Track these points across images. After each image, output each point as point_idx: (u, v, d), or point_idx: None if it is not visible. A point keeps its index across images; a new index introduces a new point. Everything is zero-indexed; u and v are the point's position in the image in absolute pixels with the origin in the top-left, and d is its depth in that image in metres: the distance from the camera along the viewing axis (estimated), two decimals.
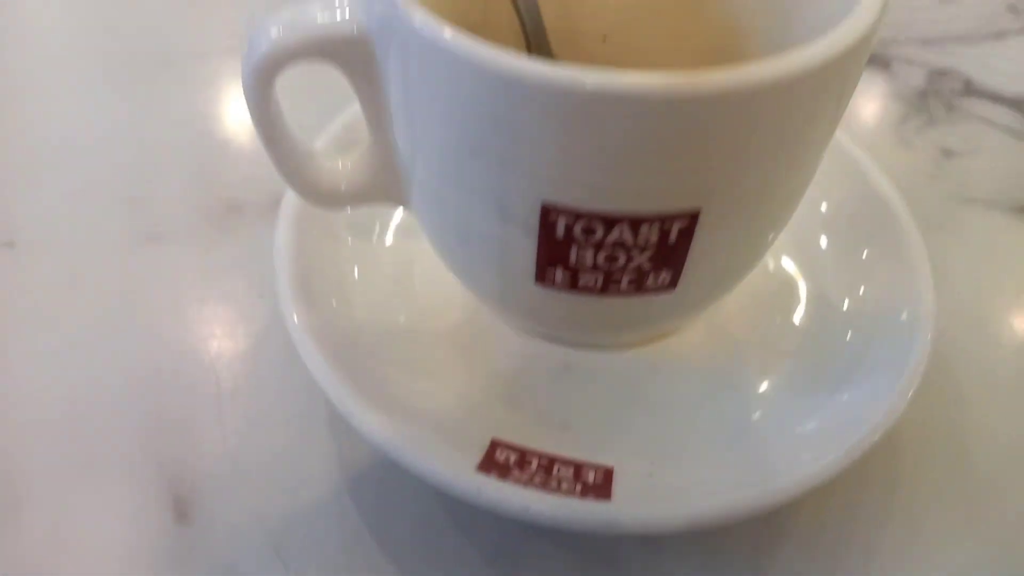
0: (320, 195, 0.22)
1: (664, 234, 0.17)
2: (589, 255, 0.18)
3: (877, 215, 0.26)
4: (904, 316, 0.23)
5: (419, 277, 0.25)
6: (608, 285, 0.19)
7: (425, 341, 0.24)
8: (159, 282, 0.27)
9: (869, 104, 0.36)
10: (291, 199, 0.24)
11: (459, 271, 0.22)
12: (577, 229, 0.17)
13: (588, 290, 0.19)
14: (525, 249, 0.18)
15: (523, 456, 0.21)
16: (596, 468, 0.21)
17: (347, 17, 0.18)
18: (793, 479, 0.19)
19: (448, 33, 0.16)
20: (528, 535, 0.22)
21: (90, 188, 0.31)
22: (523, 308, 0.21)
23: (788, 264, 0.26)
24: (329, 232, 0.25)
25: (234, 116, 0.33)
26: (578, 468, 0.21)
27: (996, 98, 0.37)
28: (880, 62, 0.38)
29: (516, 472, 0.20)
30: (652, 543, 0.22)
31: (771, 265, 0.26)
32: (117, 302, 0.27)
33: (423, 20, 0.16)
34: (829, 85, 0.16)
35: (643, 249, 0.18)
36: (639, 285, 0.19)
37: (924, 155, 0.34)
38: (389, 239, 0.26)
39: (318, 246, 0.24)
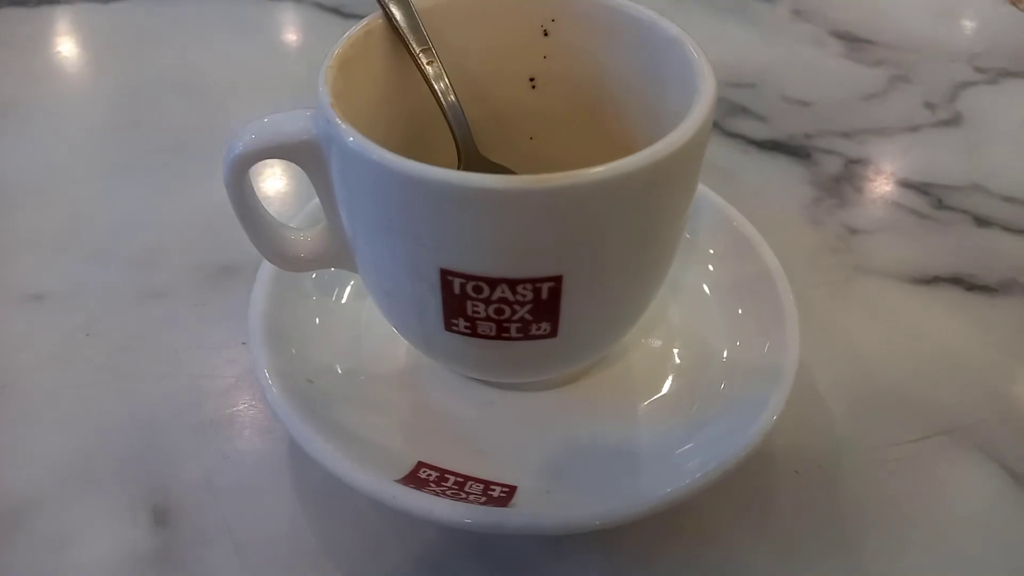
0: (285, 260, 0.27)
1: (537, 292, 0.22)
2: (481, 308, 0.23)
3: (758, 280, 0.30)
4: (769, 372, 0.27)
5: (372, 330, 0.30)
6: (500, 332, 0.24)
7: (373, 382, 0.29)
8: (161, 331, 0.33)
9: (785, 189, 0.41)
10: (268, 264, 0.30)
11: (392, 321, 0.27)
12: (469, 288, 0.22)
13: (485, 336, 0.24)
14: (433, 303, 0.23)
15: (442, 475, 0.26)
16: (502, 486, 0.26)
17: (302, 128, 0.24)
18: (657, 494, 0.24)
19: (365, 144, 0.21)
20: (452, 546, 0.26)
21: (108, 252, 0.36)
22: (441, 351, 0.26)
23: (681, 322, 0.31)
24: (298, 291, 0.30)
25: None
26: (487, 485, 0.26)
27: (906, 184, 0.41)
28: (801, 152, 0.43)
29: (432, 487, 0.25)
30: (556, 554, 0.26)
31: (668, 323, 0.31)
32: (124, 347, 0.32)
33: (349, 133, 0.21)
34: (653, 184, 0.21)
35: (522, 304, 0.23)
36: (525, 333, 0.24)
37: (831, 232, 0.38)
38: (348, 300, 0.32)
39: (287, 303, 0.29)
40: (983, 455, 0.29)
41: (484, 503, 0.24)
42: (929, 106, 0.47)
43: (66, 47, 0.52)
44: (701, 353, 0.30)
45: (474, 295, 0.22)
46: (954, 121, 0.46)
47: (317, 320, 0.30)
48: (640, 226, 0.22)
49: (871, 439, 0.30)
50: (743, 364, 0.29)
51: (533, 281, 0.22)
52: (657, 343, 0.31)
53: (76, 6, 0.55)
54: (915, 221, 0.39)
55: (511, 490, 0.25)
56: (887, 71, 0.50)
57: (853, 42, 0.53)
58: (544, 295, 0.22)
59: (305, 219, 0.32)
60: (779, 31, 0.55)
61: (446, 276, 0.22)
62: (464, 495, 0.25)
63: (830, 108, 0.47)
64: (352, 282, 0.32)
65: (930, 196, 0.41)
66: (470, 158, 0.28)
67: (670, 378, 0.29)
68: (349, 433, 0.26)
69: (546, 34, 0.29)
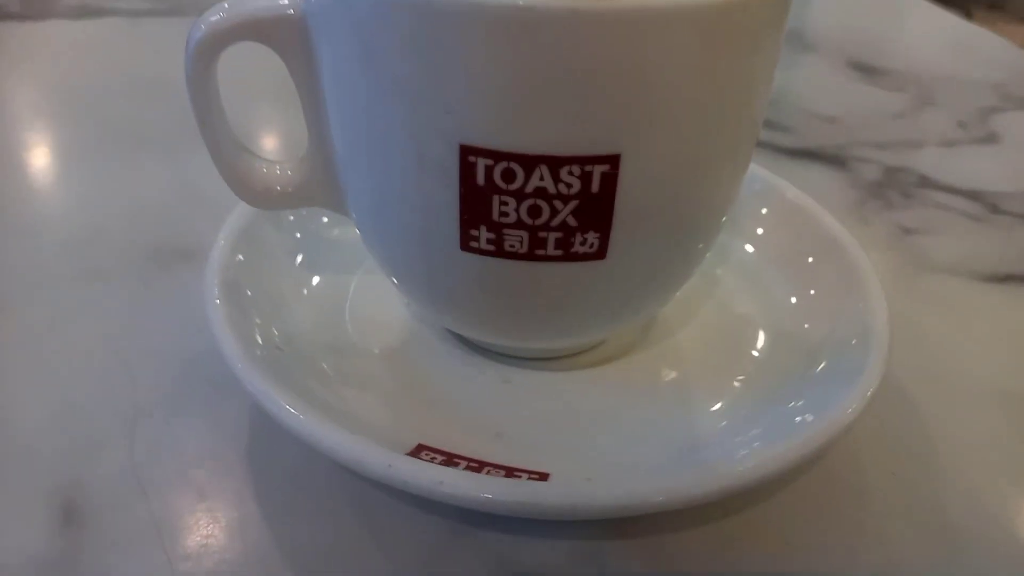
0: (254, 192, 0.22)
1: (586, 180, 0.17)
2: (512, 208, 0.17)
3: (827, 249, 0.25)
4: (855, 341, 0.22)
5: (364, 293, 0.25)
6: (534, 247, 0.18)
7: (360, 354, 0.23)
8: (96, 313, 0.27)
9: (825, 192, 0.37)
10: (241, 210, 0.24)
11: (388, 256, 0.21)
12: (496, 174, 0.17)
13: (514, 255, 0.18)
14: (448, 206, 0.18)
15: (450, 459, 0.20)
16: (530, 472, 0.19)
17: (282, 2, 0.19)
18: (725, 478, 0.17)
19: None
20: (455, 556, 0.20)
21: (43, 231, 0.31)
22: (452, 289, 0.20)
23: (742, 298, 0.26)
24: (274, 243, 0.25)
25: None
26: (510, 471, 0.19)
27: (952, 190, 0.37)
28: (836, 161, 0.39)
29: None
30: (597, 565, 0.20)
31: (721, 298, 0.26)
32: (47, 328, 0.26)
33: None
34: (739, 24, 0.16)
35: (566, 200, 0.17)
36: (567, 249, 0.18)
37: (883, 231, 0.34)
38: (335, 260, 0.26)
39: (260, 254, 0.24)
40: None
41: None
42: (962, 125, 0.44)
43: (36, 59, 0.47)
44: (766, 325, 0.24)
45: (504, 185, 0.17)
46: (990, 139, 0.43)
47: (295, 279, 0.24)
48: (710, 87, 0.17)
49: (977, 437, 0.24)
50: (821, 335, 0.23)
51: (582, 161, 0.17)
52: (706, 319, 0.25)
53: (47, 22, 0.51)
54: (971, 224, 0.35)
55: (542, 477, 0.19)
56: (911, 95, 0.47)
57: (871, 72, 0.50)
58: (595, 186, 0.17)
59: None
60: (791, 62, 0.52)
61: (467, 157, 0.17)
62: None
63: (859, 123, 0.43)
64: (341, 237, 0.26)
65: (982, 202, 0.37)
66: None
67: (728, 355, 0.24)
68: (328, 406, 0.20)
69: None
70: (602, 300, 0.20)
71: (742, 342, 0.24)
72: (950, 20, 0.60)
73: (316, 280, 0.25)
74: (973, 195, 0.37)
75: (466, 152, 0.17)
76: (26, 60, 0.47)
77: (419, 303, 0.22)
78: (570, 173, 0.17)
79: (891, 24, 0.61)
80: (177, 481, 0.21)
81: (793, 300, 0.25)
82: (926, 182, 0.38)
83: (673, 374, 0.23)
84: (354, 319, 0.24)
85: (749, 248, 0.27)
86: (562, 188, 0.17)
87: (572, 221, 0.18)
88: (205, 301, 0.21)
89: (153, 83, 0.43)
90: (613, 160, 0.17)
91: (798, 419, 0.20)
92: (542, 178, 0.17)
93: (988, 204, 0.36)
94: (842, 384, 0.20)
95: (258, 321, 0.22)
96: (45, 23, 0.51)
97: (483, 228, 0.18)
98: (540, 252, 0.18)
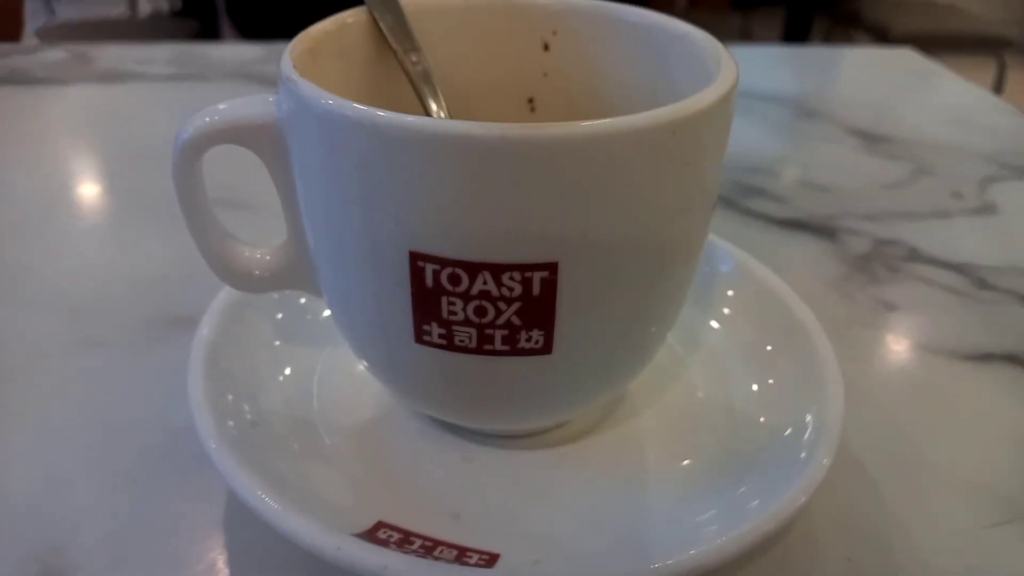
0: (236, 276, 0.23)
1: (527, 284, 0.18)
2: (459, 307, 0.19)
3: (787, 328, 0.26)
4: (808, 432, 0.23)
5: (336, 372, 0.26)
6: (482, 343, 0.19)
7: (330, 430, 0.24)
8: (92, 381, 0.28)
9: (810, 265, 0.37)
10: (226, 293, 0.26)
11: (354, 340, 0.22)
12: (444, 278, 0.18)
13: (464, 349, 0.19)
14: (402, 303, 0.19)
15: (406, 537, 0.21)
16: (481, 553, 0.20)
17: (262, 111, 0.21)
18: (670, 559, 0.18)
19: (319, 92, 0.18)
20: None
21: (45, 300, 0.33)
22: (411, 375, 0.22)
23: (706, 380, 0.26)
24: (254, 325, 0.26)
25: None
26: (462, 551, 0.20)
27: (940, 263, 0.38)
28: (825, 232, 0.40)
29: (393, 547, 0.20)
30: None
31: (685, 376, 0.27)
32: (45, 395, 0.28)
33: (306, 86, 0.18)
34: (662, 146, 0.18)
35: (509, 301, 0.18)
36: (513, 344, 0.19)
37: (865, 308, 0.34)
38: (311, 337, 0.27)
39: (240, 335, 0.25)
40: None
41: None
42: (956, 195, 0.44)
43: (55, 122, 0.50)
44: (725, 410, 0.25)
45: (450, 287, 0.18)
46: (986, 210, 0.43)
47: (273, 357, 0.26)
48: (641, 204, 0.18)
49: (933, 524, 0.24)
50: (777, 423, 0.24)
51: (522, 268, 0.18)
52: (671, 400, 0.26)
53: (72, 86, 0.54)
54: (957, 300, 0.35)
55: (492, 558, 0.20)
56: (908, 164, 0.48)
57: (870, 139, 0.51)
58: (536, 289, 0.18)
59: None
60: (792, 128, 0.53)
61: (416, 262, 0.18)
62: (433, 560, 0.19)
63: (852, 193, 0.44)
64: (318, 318, 0.28)
65: (970, 276, 0.37)
66: None
67: (687, 439, 0.24)
68: (293, 484, 0.21)
69: (547, 48, 0.26)
70: (551, 391, 0.21)
71: (701, 427, 0.25)
72: (963, 87, 0.61)
73: (293, 359, 0.26)
74: (961, 269, 0.37)
75: (415, 258, 0.18)
76: (46, 124, 0.50)
77: (383, 384, 0.24)
78: (511, 278, 0.18)
79: (898, 90, 0.62)
80: (155, 550, 0.22)
81: (754, 387, 0.25)
82: (914, 255, 0.38)
83: (632, 457, 0.24)
84: (326, 397, 0.25)
85: (716, 327, 0.28)
86: (504, 291, 0.18)
87: (516, 320, 0.19)
88: (188, 379, 0.23)
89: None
90: (551, 267, 0.18)
91: (743, 509, 0.20)
92: (485, 282, 0.18)
93: (975, 279, 0.37)
94: (788, 477, 0.21)
95: (233, 398, 0.23)
96: (72, 87, 0.54)
97: (434, 324, 0.19)
98: (488, 347, 0.19)
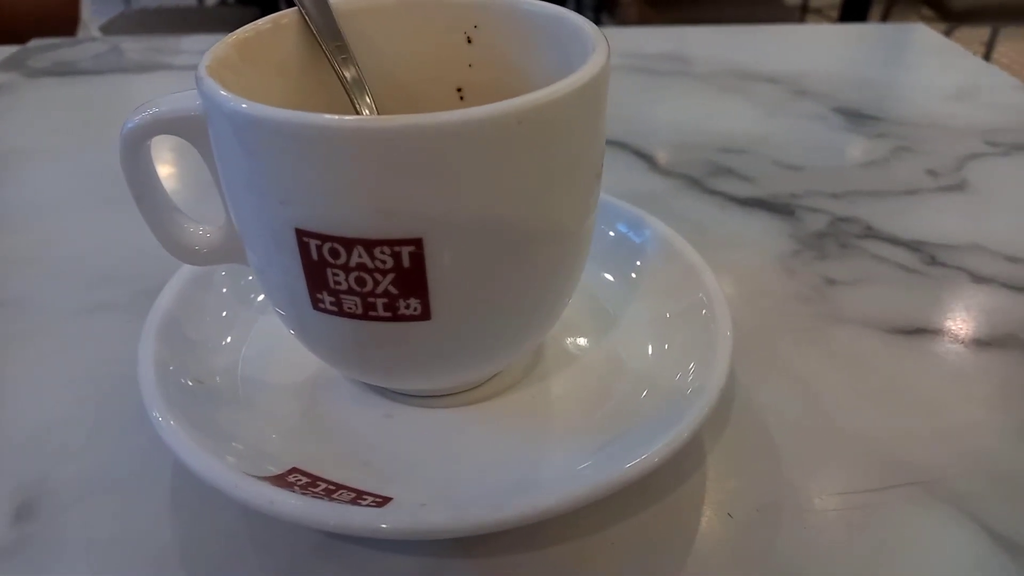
0: (184, 250, 0.27)
1: (397, 258, 0.21)
2: (343, 278, 0.21)
3: (692, 297, 0.28)
4: (694, 389, 0.25)
5: (283, 338, 0.29)
6: (367, 310, 0.22)
7: (268, 388, 0.27)
8: (89, 340, 0.32)
9: (760, 241, 0.39)
10: (182, 272, 0.29)
11: (273, 306, 0.25)
12: (325, 251, 0.21)
13: (352, 315, 0.22)
14: (297, 274, 0.22)
15: (313, 481, 0.23)
16: (375, 496, 0.23)
17: (190, 105, 0.23)
18: (527, 502, 0.21)
19: (212, 87, 0.21)
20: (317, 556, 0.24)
21: (66, 269, 0.37)
22: (315, 337, 0.24)
23: (615, 341, 0.29)
24: (212, 293, 0.29)
25: None
26: (359, 495, 0.23)
27: (895, 241, 0.39)
28: (784, 210, 0.41)
29: (296, 490, 0.23)
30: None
31: (598, 340, 0.29)
32: (47, 352, 0.32)
33: (204, 81, 0.21)
34: (511, 138, 0.20)
35: (384, 272, 0.21)
36: (394, 312, 0.22)
37: (805, 283, 0.36)
38: (258, 309, 0.30)
39: (196, 302, 0.29)
40: (956, 510, 0.25)
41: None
42: (932, 173, 0.45)
43: (88, 107, 0.55)
44: (624, 373, 0.27)
45: (332, 260, 0.21)
46: (957, 187, 0.43)
47: (224, 322, 0.29)
48: (509, 188, 0.21)
49: (823, 486, 0.26)
50: (668, 385, 0.26)
51: (390, 243, 0.20)
52: (582, 367, 0.28)
53: (106, 76, 0.59)
54: (902, 275, 0.36)
55: (383, 501, 0.23)
56: (890, 142, 0.48)
57: (856, 117, 0.51)
58: (405, 262, 0.21)
59: None
60: (779, 107, 0.54)
61: (302, 238, 0.21)
62: (327, 500, 0.22)
63: (821, 172, 0.45)
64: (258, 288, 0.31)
65: (922, 253, 0.38)
66: None
67: (588, 402, 0.27)
68: (223, 434, 0.24)
69: (470, 41, 0.28)
70: (435, 355, 0.24)
71: (601, 394, 0.27)
72: (972, 63, 0.60)
73: (238, 325, 0.29)
74: (915, 246, 0.38)
75: (300, 234, 0.21)
76: (82, 113, 0.54)
77: (301, 343, 0.27)
78: (382, 252, 0.20)
79: (901, 67, 0.61)
80: (120, 486, 0.26)
81: (651, 351, 0.27)
82: (870, 232, 0.39)
83: (535, 416, 0.26)
84: (266, 360, 0.28)
85: (638, 302, 0.30)
86: (378, 263, 0.21)
87: (393, 289, 0.21)
88: (139, 344, 0.26)
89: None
90: (417, 242, 0.20)
91: (619, 457, 0.22)
92: (360, 256, 0.21)
93: (927, 255, 0.37)
94: (665, 430, 0.23)
95: (179, 359, 0.26)
96: (108, 76, 0.59)
97: (325, 293, 0.22)
98: (372, 313, 0.22)
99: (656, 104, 0.54)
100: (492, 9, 0.28)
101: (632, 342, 0.29)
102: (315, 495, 0.22)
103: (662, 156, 0.47)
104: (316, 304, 0.22)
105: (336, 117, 0.19)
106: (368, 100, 0.27)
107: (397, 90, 0.29)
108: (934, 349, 0.32)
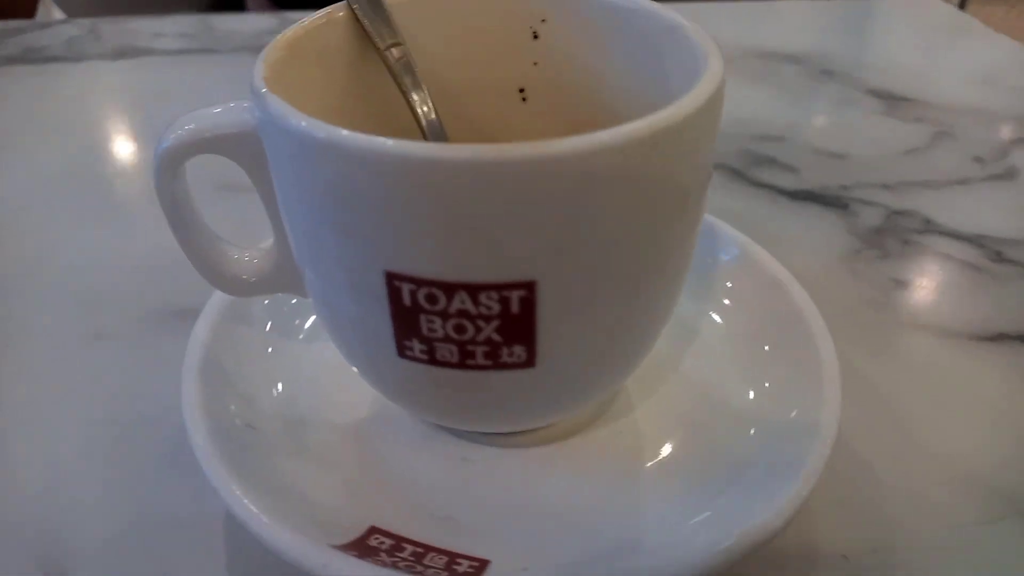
0: (227, 281, 0.23)
1: (505, 303, 0.18)
2: (439, 325, 0.18)
3: (787, 321, 0.26)
4: (805, 426, 0.22)
5: (332, 371, 0.26)
6: (464, 358, 0.19)
7: (327, 431, 0.24)
8: (99, 375, 0.29)
9: (819, 239, 0.36)
10: (220, 293, 0.26)
11: (342, 350, 0.22)
12: (421, 297, 0.18)
13: (447, 364, 0.19)
14: (382, 321, 0.19)
15: (398, 543, 0.21)
16: (471, 559, 0.20)
17: (239, 119, 0.20)
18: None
19: (285, 109, 0.17)
20: None
21: (52, 293, 0.33)
22: (398, 385, 0.22)
23: (696, 372, 0.26)
24: (250, 324, 0.26)
25: None
26: (452, 558, 0.20)
27: (956, 235, 0.37)
28: (837, 204, 0.39)
29: (383, 556, 0.20)
30: None
31: (680, 371, 0.26)
32: (52, 390, 0.28)
33: (271, 101, 0.18)
34: (650, 163, 0.17)
35: (488, 319, 0.18)
36: (495, 359, 0.19)
37: (873, 285, 0.34)
38: (308, 335, 0.27)
39: (235, 335, 0.25)
40: None
41: None
42: (979, 160, 0.43)
43: (63, 103, 0.50)
44: (720, 408, 0.25)
45: (428, 306, 0.18)
46: (1008, 175, 0.42)
47: (270, 357, 0.26)
48: (633, 220, 0.18)
49: (931, 520, 0.24)
50: (772, 421, 0.23)
51: (499, 288, 0.18)
52: (667, 395, 0.26)
53: (82, 64, 0.54)
54: (971, 275, 0.34)
55: (481, 564, 0.20)
56: (929, 127, 0.46)
57: (890, 99, 0.49)
58: (514, 308, 0.18)
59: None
60: (809, 90, 0.51)
61: (393, 282, 0.18)
62: (421, 568, 0.20)
63: (867, 161, 0.43)
64: (311, 318, 0.28)
65: (986, 249, 0.36)
66: None
67: (683, 437, 0.24)
68: (288, 489, 0.22)
69: (536, 36, 0.25)
70: (537, 400, 0.21)
71: (696, 427, 0.24)
72: (997, 42, 0.58)
73: (287, 360, 0.26)
74: (977, 240, 0.36)
75: (391, 277, 0.18)
76: (58, 105, 0.50)
77: (375, 389, 0.24)
78: (489, 297, 0.18)
79: (926, 46, 0.59)
80: (158, 545, 0.23)
81: (750, 390, 0.25)
82: (930, 226, 0.37)
83: (624, 456, 0.24)
84: (320, 398, 0.25)
85: (716, 320, 0.27)
86: (483, 309, 0.18)
87: (497, 337, 0.19)
88: (182, 385, 0.23)
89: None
90: (529, 285, 0.18)
91: (731, 519, 0.20)
92: (463, 301, 0.18)
93: (992, 251, 0.36)
94: (778, 486, 0.20)
95: (226, 402, 0.23)
96: (85, 64, 0.54)
97: (415, 340, 0.19)
98: (471, 362, 0.19)
99: None
100: (564, 1, 0.25)
101: (720, 366, 0.26)
102: (406, 562, 0.20)
103: None
104: (402, 352, 0.19)
105: (445, 147, 0.16)
106: (426, 99, 0.24)
107: (452, 90, 0.26)
108: (1018, 356, 0.30)
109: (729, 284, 0.28)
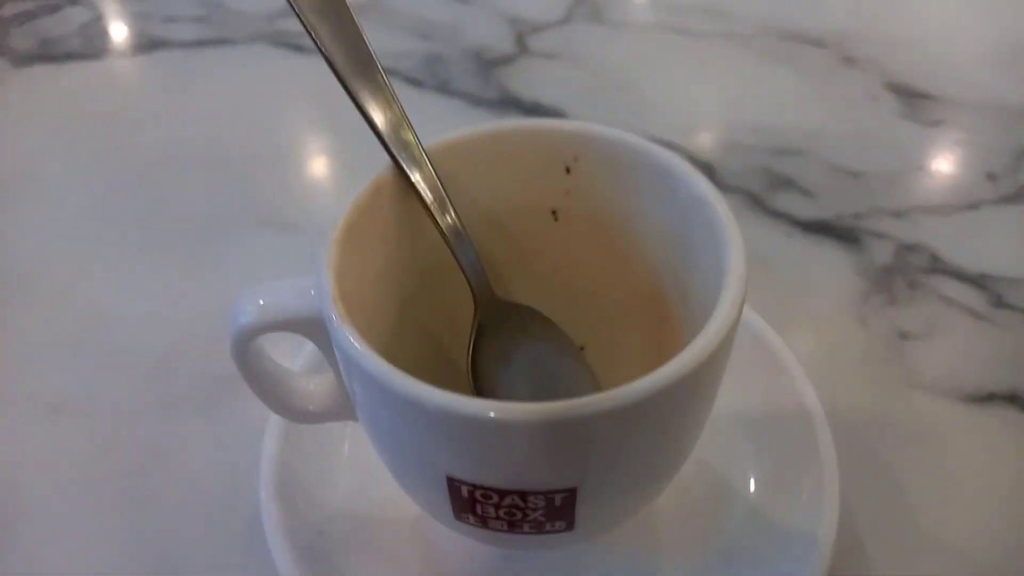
0: (294, 414, 0.26)
1: (550, 501, 0.21)
2: (491, 510, 0.21)
3: (795, 424, 0.28)
4: (803, 542, 0.26)
5: (383, 473, 0.29)
6: (513, 528, 0.22)
7: (383, 531, 0.28)
8: (176, 450, 0.32)
9: (831, 282, 0.38)
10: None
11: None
12: (477, 494, 0.21)
13: (498, 530, 0.22)
14: (442, 498, 0.22)
15: None
16: None
17: (305, 304, 0.22)
18: None
19: (364, 354, 0.20)
20: None
21: (123, 356, 0.36)
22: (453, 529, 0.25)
23: (713, 466, 0.29)
24: (311, 434, 0.29)
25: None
26: None
27: (960, 276, 0.39)
28: (850, 237, 0.41)
29: None
30: None
31: (700, 464, 0.29)
32: (138, 469, 0.32)
33: (349, 341, 0.20)
34: (670, 403, 0.19)
35: (536, 509, 0.21)
36: (540, 529, 0.22)
37: (880, 337, 0.36)
38: (358, 440, 0.30)
39: (299, 447, 0.28)
40: None
41: None
42: (991, 177, 0.44)
43: (87, 107, 0.51)
44: (732, 506, 0.28)
45: (483, 499, 0.21)
46: (1018, 197, 0.43)
47: (330, 462, 0.29)
48: (659, 439, 0.21)
49: None
50: (778, 525, 0.27)
51: (545, 493, 0.21)
52: (684, 490, 0.29)
53: (102, 61, 0.54)
54: (971, 323, 0.37)
55: None
56: (946, 133, 0.47)
57: (909, 97, 0.49)
58: (558, 503, 0.21)
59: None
60: (829, 81, 0.51)
61: (453, 483, 0.21)
62: None
63: (882, 180, 0.44)
64: None
65: (987, 291, 0.38)
66: (486, 303, 0.26)
67: (697, 530, 0.28)
68: None
69: (568, 171, 0.27)
70: (574, 547, 0.24)
71: (714, 519, 0.28)
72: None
73: (357, 473, 0.29)
74: (981, 282, 0.38)
75: (452, 480, 0.21)
76: (76, 111, 0.50)
77: None
78: (535, 499, 0.21)
79: (953, 28, 0.58)
80: None
81: (752, 484, 0.28)
82: (936, 264, 0.39)
83: (648, 548, 0.27)
84: (377, 500, 0.28)
85: (733, 417, 0.30)
86: (531, 504, 0.21)
87: (542, 518, 0.22)
88: (262, 510, 0.26)
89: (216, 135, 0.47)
90: (571, 491, 0.21)
91: None
92: (514, 500, 0.21)
93: (993, 295, 0.38)
94: None
95: (300, 512, 0.27)
96: (105, 61, 0.54)
97: (470, 515, 0.22)
98: (518, 531, 0.22)
99: (697, 80, 0.52)
100: (594, 141, 0.26)
101: (731, 464, 0.29)
102: None
103: (718, 162, 0.45)
104: (459, 519, 0.23)
105: (504, 406, 0.18)
106: (469, 248, 0.26)
107: (492, 218, 0.27)
108: (1004, 419, 0.33)
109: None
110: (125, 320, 0.38)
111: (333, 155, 0.48)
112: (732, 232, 0.22)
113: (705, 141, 0.47)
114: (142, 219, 0.43)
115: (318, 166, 0.48)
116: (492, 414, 0.18)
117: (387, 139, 0.24)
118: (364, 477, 0.29)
